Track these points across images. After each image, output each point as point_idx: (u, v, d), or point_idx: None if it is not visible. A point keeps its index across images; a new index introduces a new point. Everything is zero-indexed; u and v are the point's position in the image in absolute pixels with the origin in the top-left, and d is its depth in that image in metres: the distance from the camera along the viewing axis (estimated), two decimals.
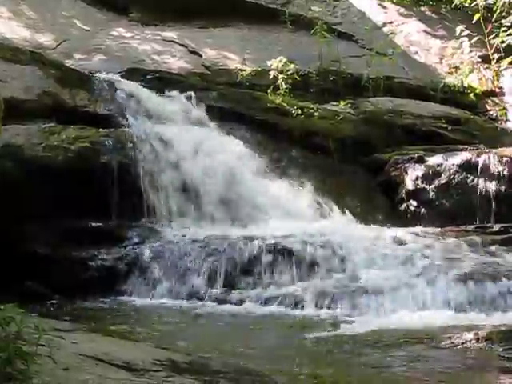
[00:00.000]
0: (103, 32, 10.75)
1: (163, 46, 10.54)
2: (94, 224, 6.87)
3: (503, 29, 10.29)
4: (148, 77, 9.28)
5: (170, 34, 10.90)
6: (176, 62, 10.10)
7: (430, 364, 3.93)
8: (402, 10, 11.93)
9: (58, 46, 10.08)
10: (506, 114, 9.86)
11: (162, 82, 9.22)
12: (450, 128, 9.24)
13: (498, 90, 10.20)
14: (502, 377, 3.72)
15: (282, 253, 6.32)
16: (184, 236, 6.71)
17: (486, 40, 10.37)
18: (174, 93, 8.70)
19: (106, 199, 7.15)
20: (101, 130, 7.60)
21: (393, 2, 12.37)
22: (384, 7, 11.97)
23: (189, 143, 7.76)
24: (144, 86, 8.72)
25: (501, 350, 4.18)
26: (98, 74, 8.59)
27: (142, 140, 7.63)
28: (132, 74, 9.25)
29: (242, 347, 4.51)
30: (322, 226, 7.12)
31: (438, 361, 4.00)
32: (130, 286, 6.30)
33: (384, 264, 6.16)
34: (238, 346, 4.53)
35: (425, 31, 11.40)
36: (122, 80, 8.63)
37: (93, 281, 6.34)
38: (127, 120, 7.93)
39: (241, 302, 5.88)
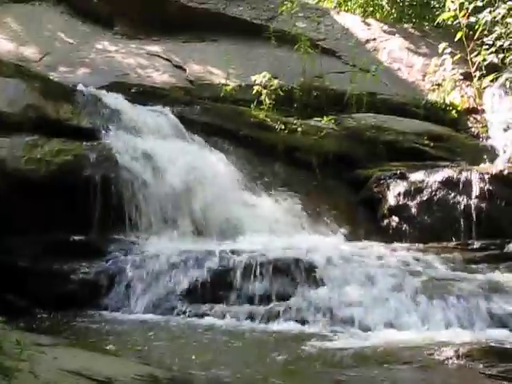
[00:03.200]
0: (88, 45, 10.76)
1: (147, 60, 10.57)
2: (75, 237, 6.85)
3: (485, 47, 10.39)
4: (132, 90, 9.29)
5: (154, 47, 10.93)
6: (160, 76, 10.12)
7: (410, 382, 3.94)
8: (386, 27, 12.03)
9: (42, 58, 10.08)
10: (487, 131, 9.93)
11: (145, 95, 9.23)
12: (432, 144, 9.31)
13: (479, 108, 10.28)
14: None
15: (264, 267, 6.31)
16: (166, 250, 6.70)
17: (468, 58, 10.46)
18: (158, 107, 8.72)
19: (88, 212, 7.14)
20: (84, 143, 7.59)
21: (376, 19, 12.47)
22: (368, 24, 12.07)
23: (172, 157, 7.77)
24: (128, 100, 8.71)
25: (481, 366, 4.20)
26: (82, 88, 8.58)
27: (125, 153, 7.62)
28: (116, 87, 9.25)
29: (223, 363, 4.50)
30: (305, 240, 7.13)
31: (415, 379, 4.01)
32: (112, 300, 6.28)
33: (365, 280, 6.17)
34: (219, 361, 4.52)
35: (408, 48, 11.50)
36: (106, 93, 8.63)
37: (74, 294, 6.31)
38: (111, 133, 7.92)
39: (223, 317, 5.87)
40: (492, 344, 4.88)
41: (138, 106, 8.56)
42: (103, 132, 7.94)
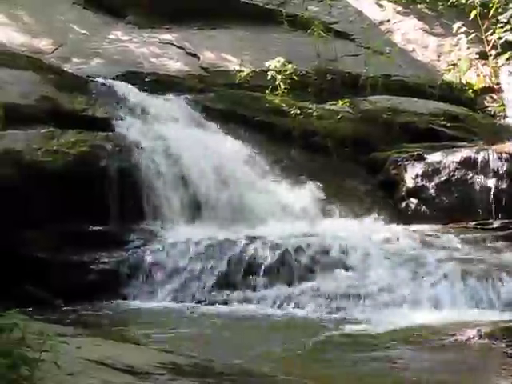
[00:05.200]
0: (100, 36, 10.75)
1: (161, 49, 10.55)
2: (94, 228, 6.87)
3: (500, 25, 10.29)
4: (146, 79, 9.29)
5: (167, 36, 10.90)
6: (174, 65, 10.11)
7: (433, 362, 3.92)
8: (399, 8, 11.93)
9: (55, 50, 10.08)
10: (504, 110, 9.86)
11: (160, 84, 9.23)
12: (448, 125, 9.24)
13: (495, 87, 10.20)
14: (503, 373, 3.72)
15: (283, 253, 6.30)
16: (185, 238, 6.69)
17: (483, 36, 10.37)
18: (173, 95, 8.70)
19: (106, 202, 7.14)
20: (100, 133, 7.59)
21: (389, 1, 12.37)
22: (381, 6, 11.97)
23: (188, 145, 7.75)
24: (142, 89, 8.72)
25: (504, 345, 4.18)
26: (95, 78, 8.58)
27: (141, 143, 7.61)
28: (130, 77, 9.26)
29: (245, 349, 4.50)
30: (324, 226, 7.10)
31: (438, 360, 3.99)
32: (132, 290, 6.29)
33: (388, 263, 6.15)
34: (241, 347, 4.52)
35: (422, 29, 11.40)
36: (120, 83, 8.62)
37: (94, 285, 6.33)
38: (126, 123, 7.91)
39: (244, 304, 5.87)
40: None
41: (152, 95, 8.54)
42: (119, 122, 7.94)
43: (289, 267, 6.17)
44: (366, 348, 4.28)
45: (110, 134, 7.67)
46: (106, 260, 6.55)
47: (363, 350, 4.22)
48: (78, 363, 3.31)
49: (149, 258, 6.47)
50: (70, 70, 9.03)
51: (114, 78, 8.88)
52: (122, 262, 6.49)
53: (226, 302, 5.95)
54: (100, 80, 8.57)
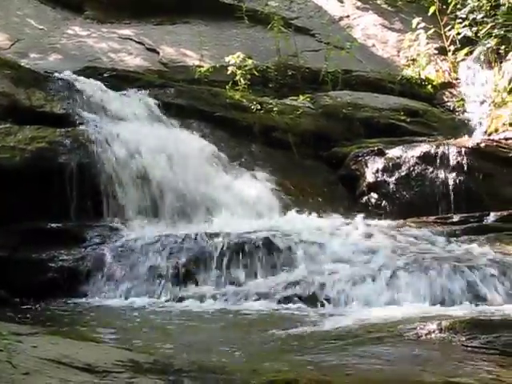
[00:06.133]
0: (58, 31, 10.63)
1: (120, 44, 10.46)
2: (53, 225, 6.79)
3: (458, 21, 10.38)
4: (105, 75, 9.22)
5: (126, 31, 10.82)
6: (133, 60, 10.03)
7: (390, 356, 3.94)
8: (359, 3, 11.97)
9: (12, 45, 9.95)
10: (463, 105, 9.94)
11: (119, 79, 9.16)
12: (408, 120, 9.30)
13: (454, 82, 10.28)
14: (463, 366, 3.74)
15: (243, 249, 6.28)
16: (145, 234, 6.65)
17: (442, 32, 10.44)
18: (132, 90, 8.64)
19: (65, 200, 7.07)
20: (58, 129, 7.51)
21: None
22: (341, 1, 12.00)
23: (147, 141, 7.70)
24: (101, 84, 8.62)
25: (464, 339, 4.20)
26: (53, 74, 8.48)
27: (101, 139, 7.54)
28: (88, 72, 9.18)
29: (206, 344, 4.48)
30: (284, 221, 7.11)
31: (397, 353, 4.01)
32: (92, 287, 6.23)
33: (347, 257, 6.15)
34: (201, 343, 4.50)
35: (381, 24, 11.46)
36: (79, 78, 8.53)
37: (53, 282, 6.25)
38: (85, 119, 7.84)
39: (203, 299, 5.84)
40: (475, 317, 4.88)
41: (111, 91, 8.47)
42: (77, 118, 7.85)
43: (249, 263, 6.15)
44: (325, 343, 4.27)
45: (69, 129, 7.59)
46: (65, 257, 6.47)
47: (320, 347, 4.21)
48: (34, 362, 3.25)
49: (108, 255, 6.41)
50: (27, 66, 8.91)
51: (72, 74, 8.77)
52: (81, 259, 6.42)
53: (186, 298, 5.90)
54: (58, 75, 8.47)
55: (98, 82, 8.61)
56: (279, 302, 5.69)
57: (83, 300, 6.00)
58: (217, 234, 6.50)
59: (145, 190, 7.39)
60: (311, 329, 4.75)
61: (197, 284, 6.10)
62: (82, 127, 7.71)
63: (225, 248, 6.29)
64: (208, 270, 6.19)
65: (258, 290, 5.86)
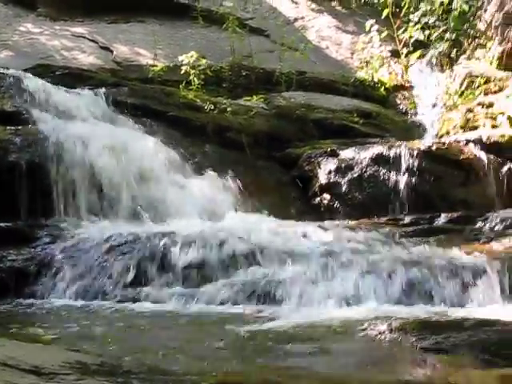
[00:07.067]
0: (10, 27, 10.50)
1: (73, 42, 10.37)
2: (2, 224, 6.67)
3: (411, 24, 10.48)
4: (57, 73, 9.12)
5: (79, 29, 10.72)
6: (86, 58, 9.94)
7: (339, 357, 3.96)
8: (313, 5, 12.03)
9: None
10: (415, 107, 10.05)
11: (71, 78, 9.07)
12: (361, 122, 9.37)
13: (407, 84, 10.38)
14: (411, 366, 3.78)
15: (196, 249, 6.24)
16: (96, 234, 6.57)
17: (395, 35, 10.54)
18: (85, 89, 8.56)
19: (14, 199, 6.97)
20: (8, 127, 7.40)
21: None
22: (295, 2, 12.05)
23: (100, 140, 7.63)
24: (53, 82, 8.55)
25: (414, 339, 4.23)
26: (4, 70, 8.35)
27: (52, 137, 7.45)
28: (40, 70, 9.08)
29: (156, 346, 4.44)
30: (236, 221, 7.09)
31: (347, 353, 4.03)
32: (41, 288, 6.13)
33: (300, 258, 6.16)
34: (151, 345, 4.46)
35: (336, 26, 11.53)
36: (30, 76, 8.42)
37: (1, 283, 6.14)
38: (35, 117, 7.73)
39: (157, 301, 5.79)
40: (425, 318, 4.93)
41: (63, 89, 8.38)
42: (28, 116, 7.75)
43: (202, 263, 6.12)
44: (278, 344, 4.27)
45: (19, 127, 7.49)
46: (14, 257, 6.36)
47: (276, 347, 4.21)
48: None
49: (58, 255, 6.32)
50: None
51: (23, 71, 8.66)
52: (30, 259, 6.32)
53: (138, 299, 5.85)
54: (9, 72, 8.34)
55: (49, 80, 8.51)
56: (232, 302, 5.67)
57: (32, 301, 5.90)
58: (169, 234, 6.45)
59: (97, 189, 7.32)
60: (264, 329, 4.74)
61: (148, 285, 6.04)
62: (33, 125, 7.61)
63: (177, 248, 6.23)
64: (160, 271, 6.13)
65: (212, 291, 5.83)
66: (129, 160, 7.56)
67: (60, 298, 5.96)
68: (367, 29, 10.65)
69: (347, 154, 8.37)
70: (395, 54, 10.61)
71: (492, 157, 8.41)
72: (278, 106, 9.31)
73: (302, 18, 11.62)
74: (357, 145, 8.59)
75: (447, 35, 10.30)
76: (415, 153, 8.19)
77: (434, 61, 10.29)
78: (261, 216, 7.39)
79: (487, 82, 9.54)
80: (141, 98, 8.76)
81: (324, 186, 8.25)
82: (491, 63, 9.76)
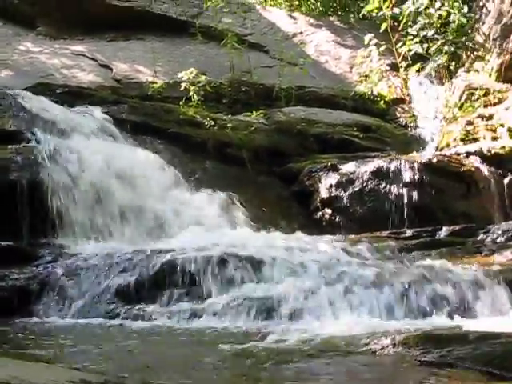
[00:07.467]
0: (9, 47, 10.53)
1: (72, 60, 10.40)
2: (3, 243, 6.67)
3: (409, 37, 10.51)
4: (57, 91, 9.14)
5: (79, 47, 10.76)
6: (86, 76, 9.97)
7: (345, 372, 3.94)
8: (312, 20, 12.07)
9: None
10: (415, 120, 10.06)
11: (71, 96, 9.09)
12: (361, 136, 9.38)
13: (406, 98, 10.40)
14: (418, 380, 3.76)
15: (197, 266, 6.23)
16: (97, 252, 6.57)
17: (394, 48, 10.56)
18: (84, 107, 8.57)
19: (16, 217, 6.98)
20: (9, 146, 7.42)
21: (302, 13, 12.51)
22: (294, 18, 12.09)
23: (100, 157, 7.64)
24: (53, 101, 8.58)
25: (417, 353, 4.22)
26: (4, 90, 8.37)
27: (53, 156, 7.46)
28: (41, 88, 9.10)
29: (158, 364, 4.42)
30: (237, 237, 7.08)
31: (353, 368, 4.01)
32: (44, 306, 6.12)
33: (301, 272, 6.15)
34: (154, 363, 4.44)
35: (334, 41, 11.56)
36: (30, 95, 8.45)
37: (4, 302, 6.13)
38: (36, 136, 7.75)
39: (157, 318, 5.78)
40: (428, 331, 4.92)
41: (63, 107, 8.40)
42: (29, 135, 7.77)
43: (201, 280, 6.10)
44: (277, 360, 4.25)
45: (20, 146, 7.50)
46: (16, 276, 6.35)
47: (276, 362, 4.19)
48: None
49: (60, 274, 6.31)
50: None
51: (24, 90, 8.68)
52: (32, 278, 6.31)
53: (140, 317, 5.83)
54: (9, 92, 8.36)
55: (50, 99, 8.53)
56: (234, 319, 5.65)
57: (34, 320, 5.89)
58: (171, 251, 6.45)
59: (97, 208, 7.32)
60: (263, 345, 4.72)
61: (151, 302, 6.02)
62: (33, 144, 7.62)
63: (179, 265, 6.22)
64: (161, 288, 6.12)
65: (212, 308, 5.81)
66: (129, 178, 7.57)
67: (62, 317, 5.94)
68: (366, 43, 10.68)
69: (348, 168, 8.38)
70: (394, 67, 10.64)
71: (493, 169, 8.42)
72: (278, 122, 9.32)
73: (301, 32, 11.65)
74: (357, 159, 8.60)
75: (446, 48, 10.33)
76: (416, 166, 8.19)
77: (433, 74, 10.31)
78: (262, 231, 7.38)
79: (486, 94, 9.55)
80: (141, 115, 8.78)
81: (325, 201, 8.25)
82: (490, 75, 9.78)
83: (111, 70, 10.25)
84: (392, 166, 8.21)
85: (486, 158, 8.51)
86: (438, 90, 10.21)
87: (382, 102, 10.29)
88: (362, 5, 12.03)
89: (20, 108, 8.11)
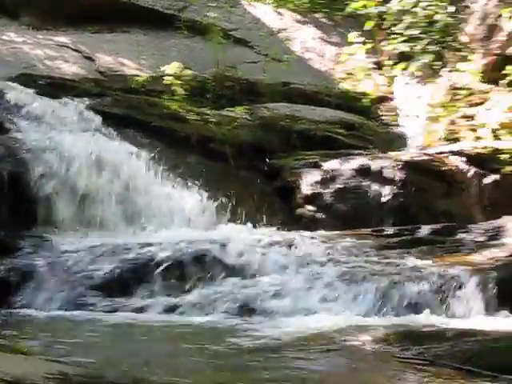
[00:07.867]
0: None
1: (56, 51, 10.32)
2: None
3: (394, 36, 10.54)
4: (40, 82, 9.07)
5: (62, 38, 10.68)
6: (69, 68, 9.91)
7: (324, 368, 3.95)
8: (298, 16, 12.06)
9: None
10: (398, 119, 10.09)
11: (54, 87, 9.03)
12: (345, 133, 9.38)
13: (390, 96, 10.43)
14: (396, 376, 3.78)
15: (179, 260, 6.24)
16: (78, 244, 6.55)
17: (379, 47, 10.58)
18: (68, 99, 8.53)
19: None
20: None
21: (288, 9, 12.50)
22: (280, 14, 12.08)
23: (83, 150, 7.61)
24: (36, 92, 8.51)
25: (396, 350, 4.24)
26: None
27: (34, 147, 7.42)
28: (23, 79, 9.03)
29: (139, 357, 4.42)
30: (219, 232, 7.09)
31: (332, 364, 4.02)
32: (24, 298, 6.09)
33: (282, 269, 6.16)
34: (135, 355, 4.44)
35: (320, 38, 11.56)
36: (12, 85, 8.39)
37: None
38: (17, 127, 7.71)
39: (139, 311, 5.78)
40: (407, 328, 4.94)
41: (45, 99, 8.35)
42: (10, 125, 7.72)
43: (183, 274, 6.11)
44: (256, 356, 4.26)
45: (1, 137, 7.45)
46: None
47: (255, 359, 4.20)
48: None
49: (40, 265, 6.29)
50: None
51: (5, 80, 8.63)
52: (12, 269, 6.28)
53: (120, 310, 5.83)
54: None
55: (32, 90, 8.49)
56: (212, 314, 5.66)
57: (14, 311, 5.87)
58: (152, 244, 6.44)
59: (78, 200, 7.30)
60: (244, 341, 4.73)
61: (131, 295, 6.02)
62: (15, 135, 7.58)
63: (160, 259, 6.22)
64: (143, 281, 6.12)
65: (193, 302, 5.82)
66: (112, 170, 7.55)
67: (42, 309, 5.92)
68: (350, 40, 10.69)
69: (331, 165, 8.39)
70: (379, 65, 10.66)
71: (474, 168, 8.46)
72: (262, 117, 9.31)
73: (286, 29, 11.65)
74: (340, 156, 8.61)
75: (430, 47, 10.36)
76: (398, 164, 8.22)
77: (417, 73, 10.35)
78: (243, 226, 7.38)
79: (470, 94, 9.60)
80: (124, 108, 8.74)
81: (307, 197, 8.25)
82: (474, 76, 9.82)
83: (95, 62, 10.20)
84: (374, 164, 8.24)
85: (467, 158, 8.55)
86: (422, 89, 10.24)
87: (365, 99, 10.31)
88: (347, 2, 12.04)
89: (2, 99, 8.06)
